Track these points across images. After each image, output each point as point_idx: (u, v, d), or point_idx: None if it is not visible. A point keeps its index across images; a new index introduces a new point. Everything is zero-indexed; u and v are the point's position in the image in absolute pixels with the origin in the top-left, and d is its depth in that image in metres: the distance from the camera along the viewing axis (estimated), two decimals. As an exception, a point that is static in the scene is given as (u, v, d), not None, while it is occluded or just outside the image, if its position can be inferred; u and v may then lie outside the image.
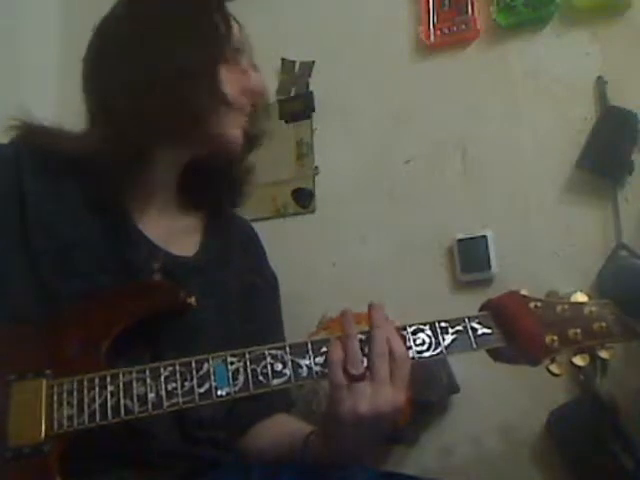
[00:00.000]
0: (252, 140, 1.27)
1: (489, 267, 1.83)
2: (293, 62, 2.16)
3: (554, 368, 1.02)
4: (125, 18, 1.19)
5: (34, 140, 1.13)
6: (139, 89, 1.11)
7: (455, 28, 1.97)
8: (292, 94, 2.15)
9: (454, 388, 1.80)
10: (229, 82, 1.17)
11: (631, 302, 1.08)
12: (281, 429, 1.22)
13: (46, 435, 0.93)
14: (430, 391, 1.74)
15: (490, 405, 1.79)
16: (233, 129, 1.19)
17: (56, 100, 2.24)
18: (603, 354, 1.03)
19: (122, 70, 1.14)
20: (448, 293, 1.89)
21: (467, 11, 1.96)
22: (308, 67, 2.15)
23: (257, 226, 1.41)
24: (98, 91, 1.17)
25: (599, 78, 1.80)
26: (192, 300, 1.08)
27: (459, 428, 1.82)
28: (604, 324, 1.03)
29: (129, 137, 1.10)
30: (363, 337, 0.97)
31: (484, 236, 1.84)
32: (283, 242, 1.95)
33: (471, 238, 1.86)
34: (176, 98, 1.11)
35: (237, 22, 1.23)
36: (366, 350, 0.97)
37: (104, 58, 1.18)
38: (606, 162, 1.75)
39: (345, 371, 0.95)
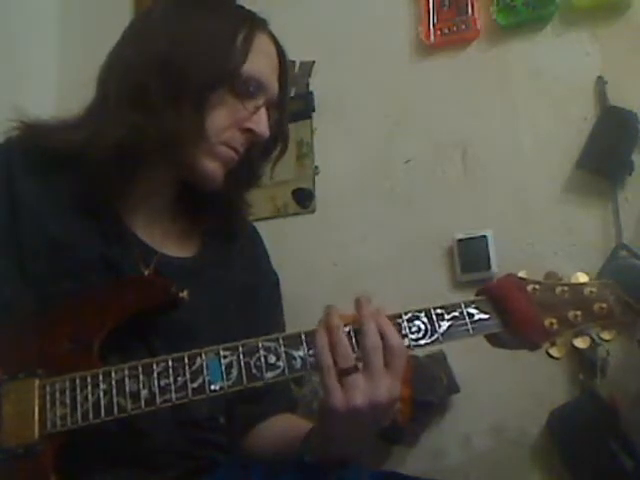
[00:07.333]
0: (243, 178, 1.23)
1: (489, 267, 1.82)
2: (293, 62, 2.15)
3: (554, 351, 0.99)
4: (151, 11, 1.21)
5: (28, 139, 1.13)
6: (133, 89, 1.09)
7: (455, 28, 1.97)
8: (292, 94, 2.15)
9: (454, 388, 1.80)
10: (222, 111, 1.13)
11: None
12: (282, 428, 1.22)
13: (39, 435, 0.93)
14: (430, 391, 1.74)
15: (490, 405, 1.79)
16: (208, 161, 1.13)
17: (55, 101, 2.25)
18: (604, 335, 1.00)
19: (125, 57, 1.14)
20: (448, 293, 1.88)
21: (467, 11, 1.96)
22: (308, 67, 2.15)
23: (257, 226, 1.41)
24: (100, 79, 1.16)
25: (599, 78, 1.79)
26: (184, 294, 1.06)
27: (459, 428, 1.82)
28: (605, 305, 0.99)
29: (110, 136, 1.07)
30: (352, 329, 0.96)
31: (484, 236, 1.84)
32: (283, 242, 1.95)
33: (471, 238, 1.86)
34: (157, 109, 1.08)
35: (283, 63, 1.21)
36: (357, 343, 0.95)
37: (120, 45, 1.17)
38: (606, 162, 1.74)
39: (335, 364, 0.93)
